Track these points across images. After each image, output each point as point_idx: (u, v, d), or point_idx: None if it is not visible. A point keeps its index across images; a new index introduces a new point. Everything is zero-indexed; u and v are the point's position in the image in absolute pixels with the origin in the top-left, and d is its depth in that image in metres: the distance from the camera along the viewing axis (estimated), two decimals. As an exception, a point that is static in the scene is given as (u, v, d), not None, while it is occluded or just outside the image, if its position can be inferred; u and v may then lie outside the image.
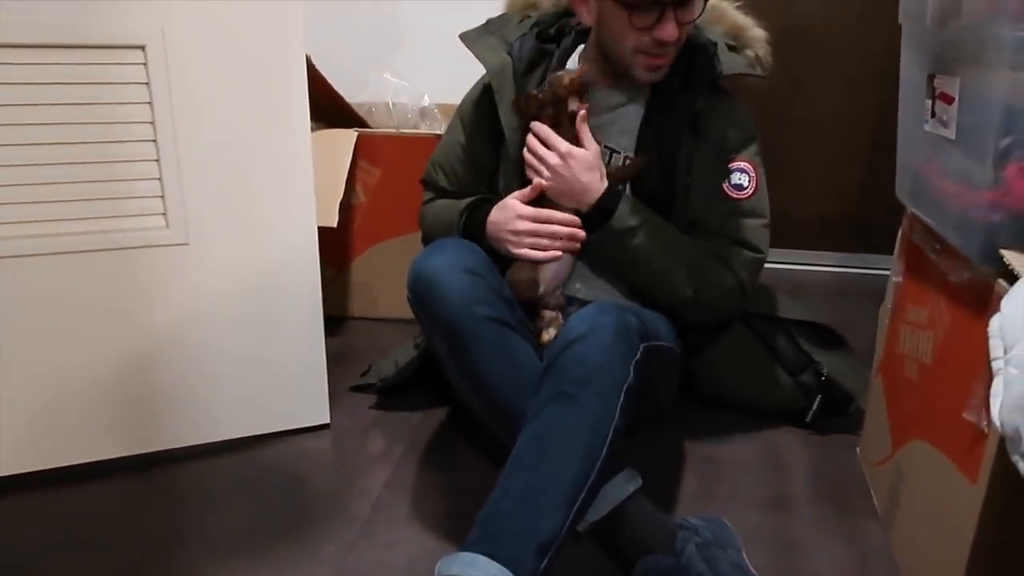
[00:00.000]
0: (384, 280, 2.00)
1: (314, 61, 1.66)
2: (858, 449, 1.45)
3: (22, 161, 1.20)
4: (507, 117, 1.38)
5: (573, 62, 1.42)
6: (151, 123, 1.24)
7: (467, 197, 1.44)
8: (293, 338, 1.44)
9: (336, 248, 1.97)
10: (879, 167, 2.40)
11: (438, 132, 1.90)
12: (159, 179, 1.27)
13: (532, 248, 1.30)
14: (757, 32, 1.41)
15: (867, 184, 2.47)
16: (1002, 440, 0.73)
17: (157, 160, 1.26)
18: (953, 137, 0.99)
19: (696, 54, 1.36)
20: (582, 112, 1.29)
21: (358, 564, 1.16)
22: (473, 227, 1.37)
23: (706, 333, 1.47)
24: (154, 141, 1.25)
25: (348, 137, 1.90)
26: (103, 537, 1.21)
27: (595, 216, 1.31)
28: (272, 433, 1.48)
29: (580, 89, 1.29)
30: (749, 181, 1.36)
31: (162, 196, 1.28)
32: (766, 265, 1.40)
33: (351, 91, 2.01)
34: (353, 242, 2.00)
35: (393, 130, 2.00)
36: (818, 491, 1.35)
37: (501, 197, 1.37)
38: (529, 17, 1.47)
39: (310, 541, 1.21)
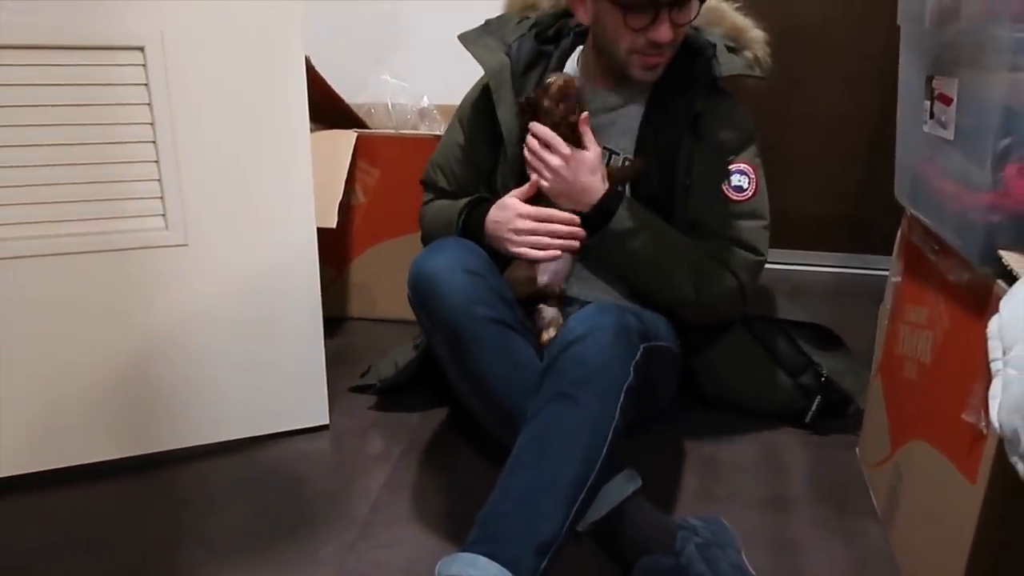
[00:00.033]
0: (383, 281, 2.00)
1: (313, 62, 1.66)
2: (857, 449, 1.45)
3: (21, 162, 1.20)
4: (505, 117, 1.38)
5: (572, 63, 1.42)
6: (150, 124, 1.24)
7: (466, 197, 1.44)
8: (292, 339, 1.44)
9: (335, 249, 1.97)
10: (878, 167, 2.40)
11: (437, 133, 1.90)
12: (158, 180, 1.27)
13: (532, 247, 1.30)
14: (756, 33, 1.41)
15: (866, 184, 2.47)
16: (1001, 441, 0.73)
17: (156, 161, 1.26)
18: (952, 138, 1.00)
19: (695, 55, 1.36)
20: (584, 114, 1.29)
21: (357, 565, 1.16)
22: (472, 226, 1.38)
23: (706, 334, 1.47)
24: (153, 142, 1.25)
25: (347, 138, 1.90)
26: (103, 538, 1.21)
27: (595, 218, 1.31)
28: (271, 434, 1.48)
29: (569, 94, 1.28)
30: (749, 183, 1.37)
31: (161, 197, 1.28)
32: (765, 266, 1.40)
33: (350, 92, 2.01)
34: (352, 243, 2.00)
35: (392, 131, 2.00)
36: (817, 491, 1.35)
37: (500, 197, 1.37)
38: (528, 18, 1.47)
39: (309, 542, 1.21)
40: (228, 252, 1.35)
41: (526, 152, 1.32)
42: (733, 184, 1.36)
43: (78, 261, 1.26)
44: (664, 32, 1.25)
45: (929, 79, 1.06)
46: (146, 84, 1.22)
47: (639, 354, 1.10)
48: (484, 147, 1.44)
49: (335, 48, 1.98)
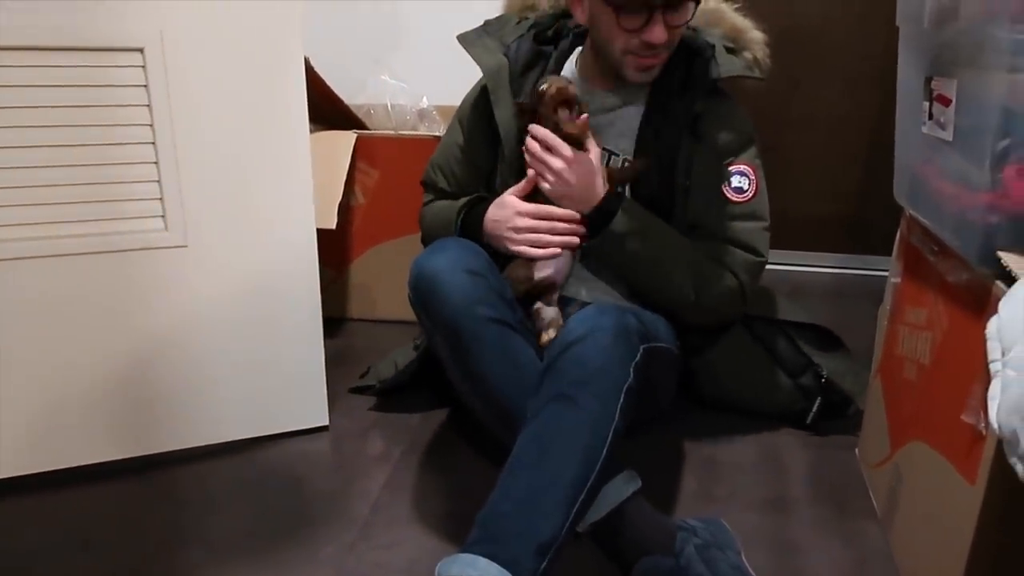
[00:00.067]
0: (383, 282, 2.00)
1: (313, 63, 1.66)
2: (857, 450, 1.45)
3: (21, 163, 1.20)
4: (502, 118, 1.38)
5: (571, 64, 1.42)
6: (150, 125, 1.24)
7: (465, 198, 1.44)
8: (292, 340, 1.44)
9: (335, 250, 1.97)
10: (878, 168, 2.39)
11: (437, 134, 1.90)
12: (158, 181, 1.27)
13: (531, 245, 1.30)
14: (755, 34, 1.41)
15: (866, 184, 2.47)
16: (1000, 442, 0.73)
17: (156, 162, 1.26)
18: (951, 139, 1.00)
19: (694, 56, 1.36)
20: (584, 116, 1.29)
21: (357, 566, 1.16)
22: (470, 225, 1.38)
23: (706, 335, 1.47)
24: (153, 143, 1.25)
25: (347, 139, 1.91)
26: (102, 539, 1.21)
27: (596, 219, 1.31)
28: (271, 435, 1.48)
29: (568, 100, 1.27)
30: (749, 184, 1.37)
31: (161, 198, 1.28)
32: (766, 267, 1.40)
33: (350, 93, 2.01)
34: (352, 244, 2.00)
35: (392, 132, 2.00)
36: (817, 492, 1.35)
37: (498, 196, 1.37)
38: (527, 19, 1.47)
39: (309, 543, 1.21)
40: (228, 253, 1.35)
41: (527, 155, 1.31)
42: (733, 185, 1.36)
43: (78, 262, 1.26)
44: (658, 33, 1.25)
45: (928, 80, 1.06)
46: (145, 85, 1.23)
47: (639, 355, 1.10)
48: (483, 147, 1.44)
49: (334, 49, 1.98)
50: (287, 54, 1.31)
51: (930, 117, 1.06)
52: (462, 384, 1.23)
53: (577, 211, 1.31)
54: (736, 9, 1.45)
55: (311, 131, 1.40)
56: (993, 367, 0.75)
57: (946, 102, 1.00)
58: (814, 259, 2.55)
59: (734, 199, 1.36)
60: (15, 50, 1.15)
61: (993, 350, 0.76)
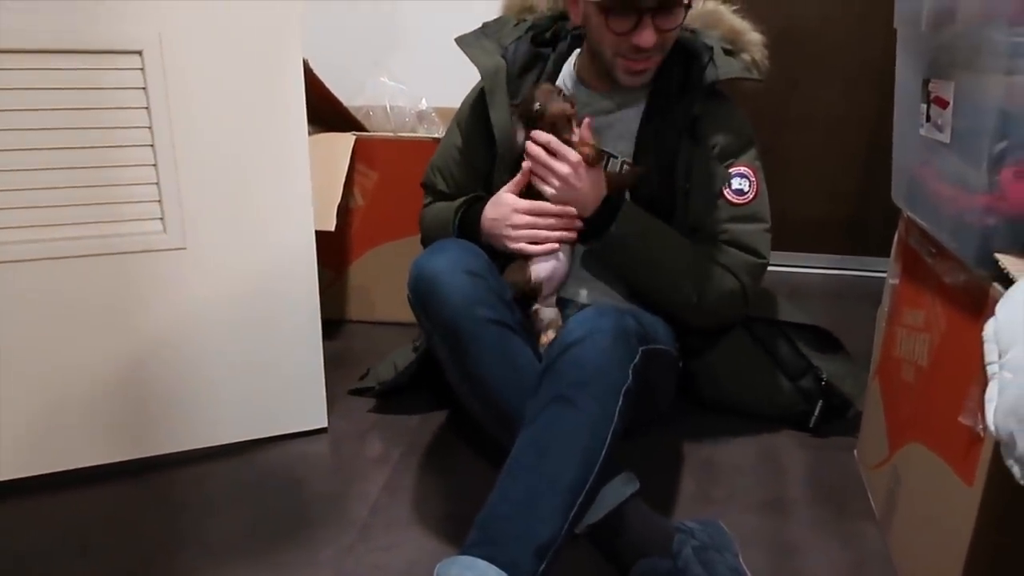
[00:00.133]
0: (382, 283, 2.00)
1: (311, 65, 1.66)
2: (855, 452, 1.46)
3: (20, 166, 1.20)
4: (498, 120, 1.38)
5: (569, 66, 1.42)
6: (148, 128, 1.25)
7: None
8: (291, 342, 1.44)
9: (334, 251, 1.97)
10: (876, 169, 2.40)
11: (436, 136, 1.90)
12: (156, 184, 1.27)
13: (529, 241, 1.30)
14: (754, 36, 1.41)
15: (864, 185, 2.47)
16: (997, 444, 0.73)
17: (154, 165, 1.26)
18: (948, 141, 1.00)
19: (693, 58, 1.36)
20: (586, 120, 1.29)
21: (356, 568, 1.16)
22: (468, 225, 1.38)
23: (706, 337, 1.48)
24: (151, 146, 1.25)
25: (346, 141, 1.91)
26: (101, 542, 1.21)
27: (597, 222, 1.31)
28: (270, 437, 1.48)
29: (570, 114, 1.29)
30: (750, 186, 1.37)
31: (159, 200, 1.28)
32: (767, 269, 1.40)
33: (348, 95, 2.01)
34: (351, 245, 2.00)
35: (391, 134, 2.00)
36: (815, 494, 1.35)
37: None
38: (525, 21, 1.47)
39: (308, 545, 1.21)
40: (226, 255, 1.35)
41: (529, 160, 1.31)
42: (734, 187, 1.36)
43: (77, 264, 1.26)
44: (647, 37, 1.25)
45: (925, 82, 1.06)
46: (144, 88, 1.23)
47: (638, 357, 1.10)
48: (481, 149, 1.44)
49: (333, 51, 1.98)
50: (286, 56, 1.31)
51: (928, 119, 1.06)
52: (461, 385, 1.23)
53: (579, 214, 1.31)
54: (734, 11, 1.45)
55: (310, 133, 1.40)
56: (990, 369, 0.76)
57: (944, 104, 1.00)
58: (812, 260, 2.55)
59: (735, 201, 1.36)
60: (14, 53, 1.15)
61: (990, 352, 0.76)
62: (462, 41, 1.44)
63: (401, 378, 1.58)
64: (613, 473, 1.08)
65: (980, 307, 0.90)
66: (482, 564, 0.93)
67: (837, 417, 1.51)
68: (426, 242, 1.48)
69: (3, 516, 1.27)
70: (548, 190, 1.29)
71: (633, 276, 1.38)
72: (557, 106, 1.28)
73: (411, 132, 2.03)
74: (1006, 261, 0.85)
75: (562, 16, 1.46)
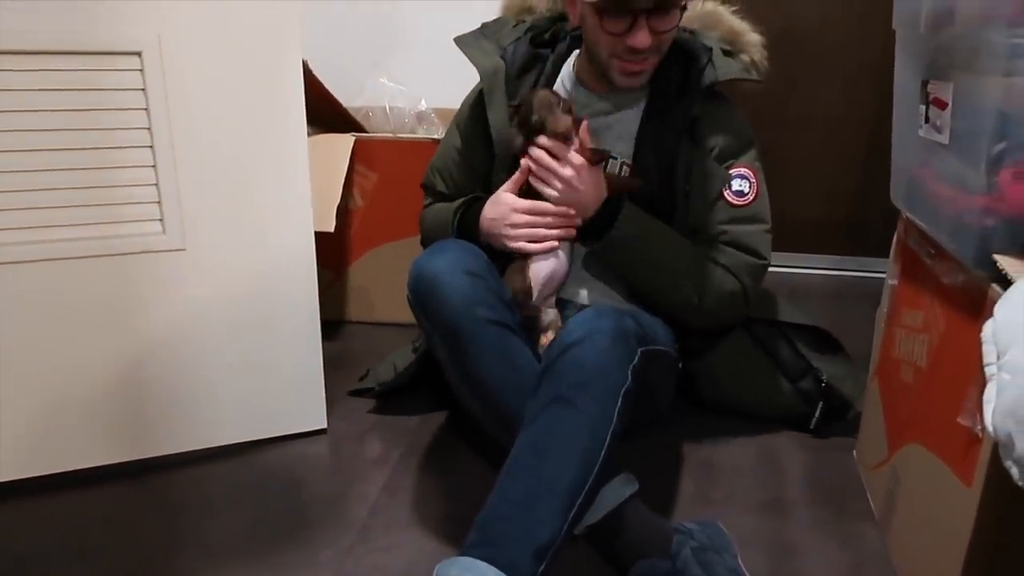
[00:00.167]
0: (381, 284, 2.00)
1: (311, 66, 1.66)
2: (855, 452, 1.46)
3: (19, 167, 1.20)
4: (496, 120, 1.38)
5: (568, 67, 1.42)
6: (147, 129, 1.25)
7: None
8: (290, 342, 1.44)
9: (333, 252, 1.97)
10: (875, 169, 2.40)
11: (435, 136, 1.90)
12: (156, 185, 1.27)
13: (529, 240, 1.31)
14: (753, 37, 1.41)
15: (864, 185, 2.47)
16: (996, 444, 0.73)
17: (154, 166, 1.26)
18: (947, 142, 1.00)
19: (692, 59, 1.36)
20: (584, 123, 1.29)
21: (356, 569, 1.16)
22: (467, 225, 1.38)
23: (706, 338, 1.48)
24: (151, 147, 1.26)
25: (345, 142, 1.91)
26: (100, 543, 1.21)
27: (597, 223, 1.31)
28: (269, 438, 1.48)
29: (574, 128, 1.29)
30: (750, 187, 1.37)
31: (159, 202, 1.28)
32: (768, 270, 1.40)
33: (348, 96, 2.01)
34: (350, 246, 2.00)
35: (390, 135, 2.00)
36: (814, 495, 1.35)
37: None
38: (524, 22, 1.48)
39: (308, 546, 1.21)
40: (226, 256, 1.35)
41: (531, 164, 1.31)
42: (734, 189, 1.36)
43: (76, 266, 1.26)
44: (642, 38, 1.25)
45: (924, 83, 1.06)
46: (143, 89, 1.23)
47: (637, 358, 1.10)
48: (480, 150, 1.44)
49: (333, 52, 1.98)
50: (285, 57, 1.31)
51: (926, 120, 1.06)
52: (460, 386, 1.23)
53: (580, 216, 1.31)
54: (734, 11, 1.45)
55: (309, 134, 1.40)
56: (988, 370, 0.76)
57: (942, 105, 1.00)
58: (811, 261, 2.55)
59: (735, 202, 1.36)
60: (13, 54, 1.15)
61: (988, 353, 0.76)
62: (461, 42, 1.44)
63: (401, 379, 1.58)
64: (612, 474, 1.08)
65: (979, 308, 0.90)
66: (481, 565, 0.93)
67: (837, 419, 1.51)
68: (426, 243, 1.48)
69: (3, 517, 1.27)
70: (551, 193, 1.30)
71: (633, 277, 1.38)
72: (559, 123, 1.27)
73: (410, 133, 2.03)
74: (1004, 262, 0.85)
75: (561, 17, 1.46)
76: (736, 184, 1.37)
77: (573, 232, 1.32)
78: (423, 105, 2.08)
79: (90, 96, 1.21)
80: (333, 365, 1.57)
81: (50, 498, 1.31)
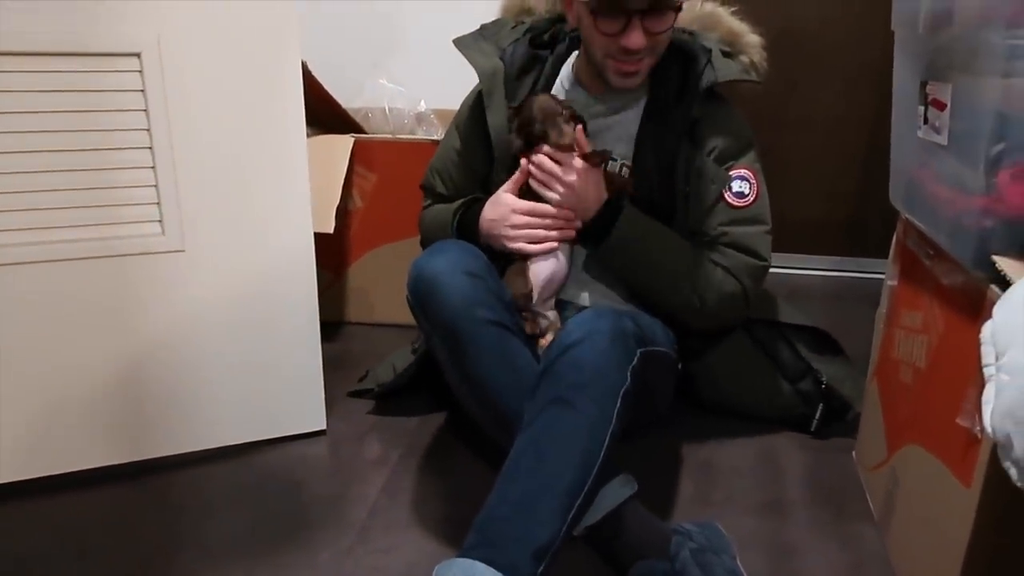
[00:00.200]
0: (381, 285, 2.00)
1: (310, 67, 1.66)
2: (854, 453, 1.46)
3: (19, 168, 1.20)
4: (495, 122, 1.38)
5: (568, 68, 1.42)
6: (147, 130, 1.25)
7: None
8: (290, 344, 1.44)
9: (333, 253, 1.97)
10: (874, 170, 2.39)
11: (435, 138, 1.90)
12: (155, 186, 1.27)
13: (528, 241, 1.31)
14: (752, 38, 1.41)
15: (863, 185, 2.47)
16: (995, 445, 0.73)
17: (153, 167, 1.26)
18: (946, 143, 1.00)
19: (691, 61, 1.36)
20: (578, 128, 1.29)
21: (355, 570, 1.16)
22: (467, 226, 1.38)
23: (706, 339, 1.48)
24: (150, 148, 1.26)
25: (344, 143, 1.91)
26: (99, 544, 1.21)
27: (598, 225, 1.31)
28: (269, 439, 1.48)
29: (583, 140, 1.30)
30: (750, 189, 1.37)
31: (158, 203, 1.28)
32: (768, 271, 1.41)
33: (347, 97, 2.01)
34: (350, 247, 2.00)
35: (389, 136, 2.00)
36: (814, 495, 1.35)
37: None
38: (523, 23, 1.48)
39: (307, 547, 1.21)
40: (225, 257, 1.35)
41: (532, 168, 1.31)
42: (734, 190, 1.36)
43: (75, 267, 1.26)
44: (636, 39, 1.25)
45: (923, 84, 1.06)
46: (142, 90, 1.23)
47: (636, 359, 1.10)
48: (480, 151, 1.45)
49: (332, 52, 1.98)
50: (284, 58, 1.31)
51: (925, 121, 1.06)
52: (460, 387, 1.24)
53: (581, 218, 1.31)
54: (733, 12, 1.45)
55: (308, 135, 1.40)
56: (987, 371, 0.76)
57: (941, 106, 1.00)
58: (811, 262, 2.55)
59: (735, 204, 1.36)
60: (12, 55, 1.15)
61: (987, 354, 0.76)
62: (460, 43, 1.44)
63: (400, 380, 1.58)
64: (611, 475, 1.08)
65: (978, 309, 0.90)
66: (481, 566, 0.93)
67: (836, 420, 1.51)
68: (425, 244, 1.48)
69: (2, 518, 1.27)
70: (553, 196, 1.30)
71: (634, 278, 1.38)
72: (565, 136, 1.27)
73: (410, 134, 2.03)
74: (1003, 263, 0.85)
75: (560, 18, 1.46)
76: (736, 185, 1.36)
77: (573, 234, 1.32)
78: (422, 106, 2.08)
79: (89, 97, 1.21)
80: (332, 366, 1.57)
81: (50, 499, 1.31)
